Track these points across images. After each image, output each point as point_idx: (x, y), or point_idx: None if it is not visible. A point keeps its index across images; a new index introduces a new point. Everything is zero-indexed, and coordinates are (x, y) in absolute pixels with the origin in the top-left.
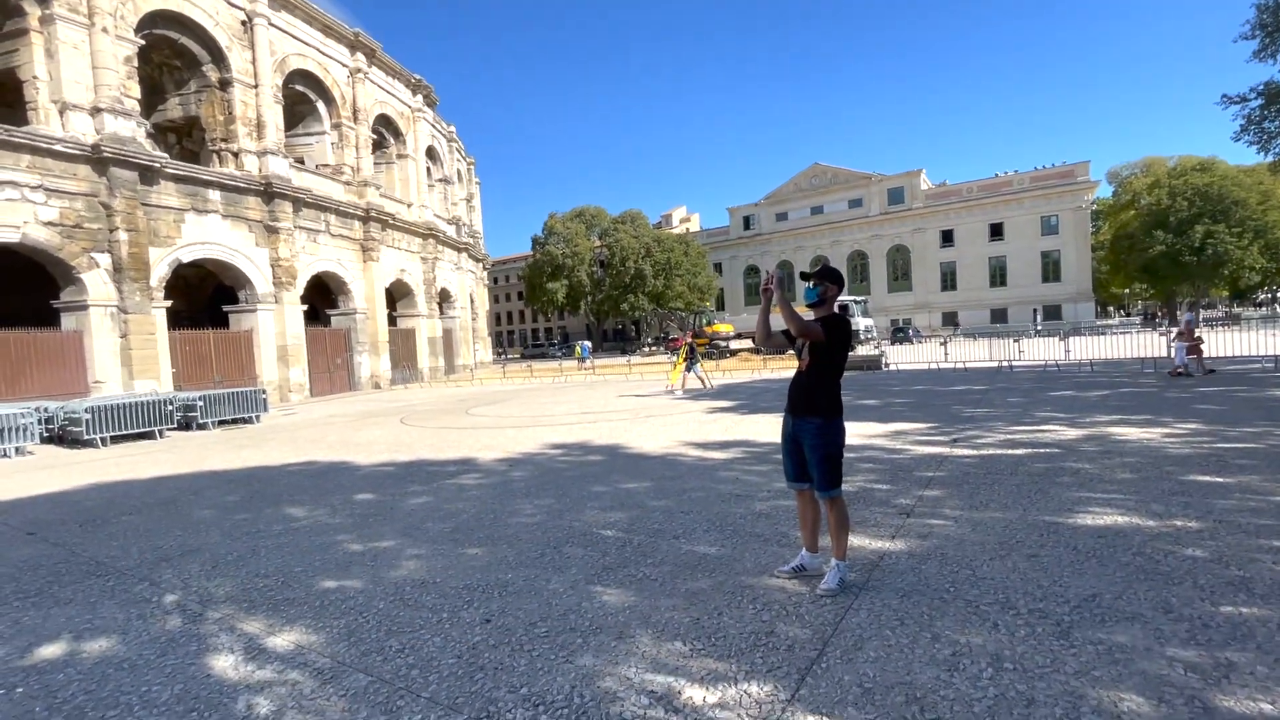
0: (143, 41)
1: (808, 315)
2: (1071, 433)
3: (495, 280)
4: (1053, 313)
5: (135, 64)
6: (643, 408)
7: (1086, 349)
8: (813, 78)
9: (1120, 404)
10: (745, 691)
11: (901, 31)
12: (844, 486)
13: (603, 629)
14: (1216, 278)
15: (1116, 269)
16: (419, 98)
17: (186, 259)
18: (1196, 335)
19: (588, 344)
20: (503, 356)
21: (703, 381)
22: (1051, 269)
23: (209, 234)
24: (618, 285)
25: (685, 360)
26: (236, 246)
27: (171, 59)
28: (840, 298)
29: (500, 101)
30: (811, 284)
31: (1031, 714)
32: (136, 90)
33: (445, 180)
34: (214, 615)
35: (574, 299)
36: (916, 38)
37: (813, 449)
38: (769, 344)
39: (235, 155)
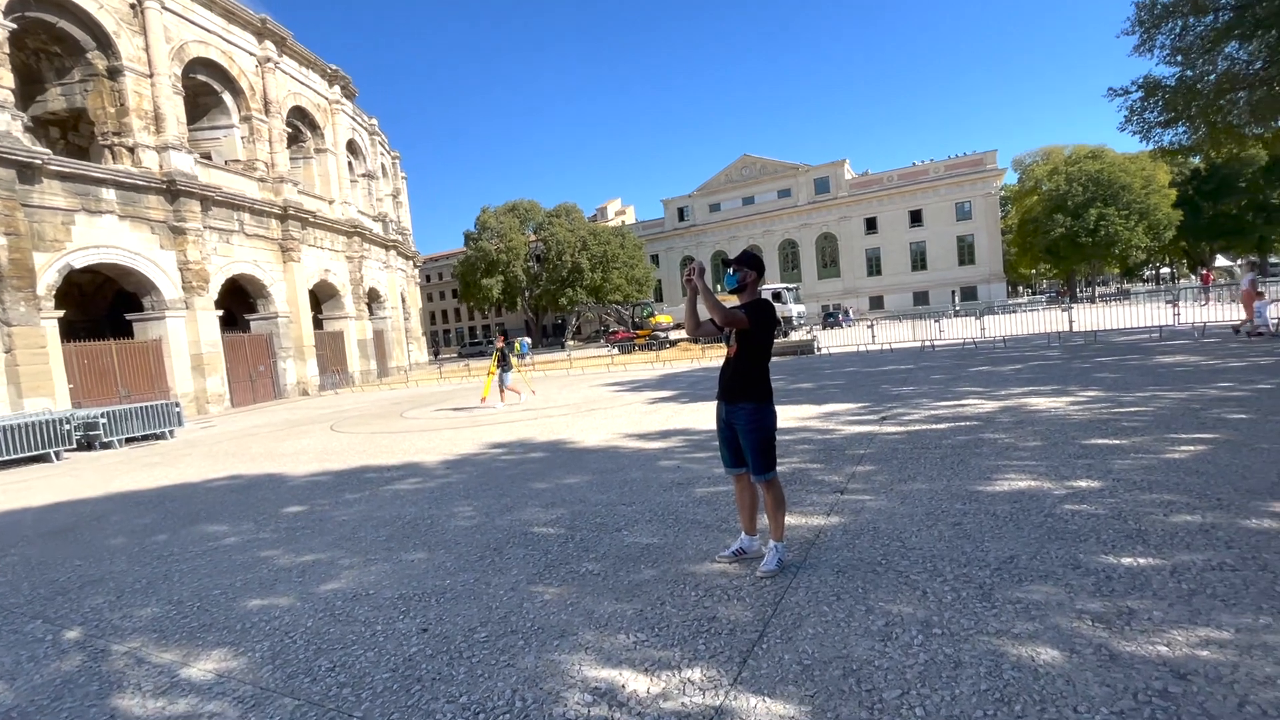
0: (14, 25)
1: (732, 302)
2: (989, 405)
3: (427, 278)
4: (969, 294)
5: (6, 50)
6: (584, 400)
7: (1000, 326)
8: (738, 68)
9: (1031, 376)
10: (688, 679)
11: (821, 23)
12: (780, 468)
13: (545, 629)
14: (1109, 256)
15: (1024, 250)
16: (336, 89)
17: (79, 264)
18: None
19: (527, 340)
20: (438, 357)
21: (511, 392)
22: (967, 252)
23: (105, 236)
24: (555, 279)
25: (497, 367)
26: (138, 249)
27: (50, 45)
28: (774, 285)
29: (425, 96)
30: (731, 270)
31: (959, 675)
32: (9, 79)
33: (369, 175)
34: (119, 649)
35: (511, 295)
36: (835, 29)
37: (746, 434)
38: (699, 334)
39: (130, 150)
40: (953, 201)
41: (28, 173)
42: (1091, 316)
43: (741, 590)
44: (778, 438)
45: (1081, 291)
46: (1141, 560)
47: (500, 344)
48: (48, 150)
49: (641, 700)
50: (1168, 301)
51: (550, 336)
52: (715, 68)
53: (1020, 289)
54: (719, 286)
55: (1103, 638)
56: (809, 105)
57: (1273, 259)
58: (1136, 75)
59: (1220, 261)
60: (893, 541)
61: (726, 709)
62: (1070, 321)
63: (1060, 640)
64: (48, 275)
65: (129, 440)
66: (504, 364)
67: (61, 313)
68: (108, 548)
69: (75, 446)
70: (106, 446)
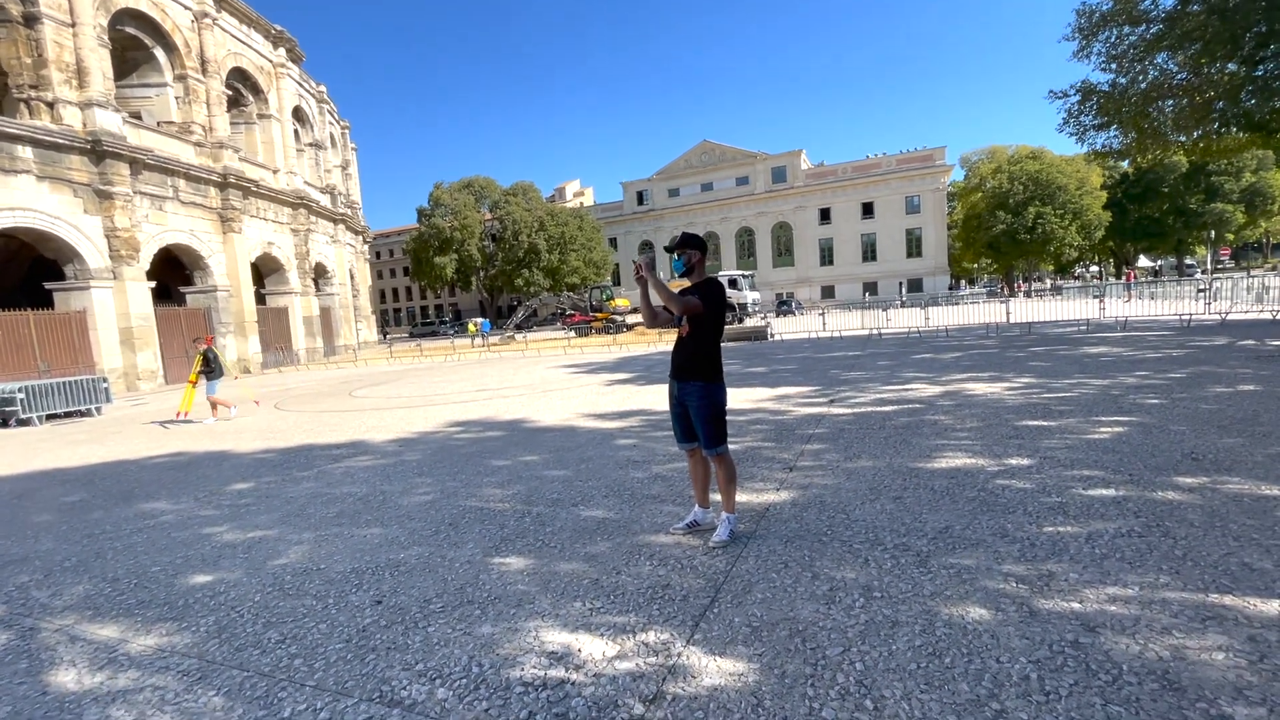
0: None
1: (683, 284)
2: (931, 390)
3: (378, 255)
4: (915, 285)
5: None
6: (540, 382)
7: (943, 317)
8: (701, 53)
9: (971, 364)
10: (643, 642)
11: (781, 11)
12: (733, 446)
13: (501, 598)
14: (1045, 254)
15: (968, 245)
16: (281, 51)
17: None
18: None
19: (487, 321)
20: (387, 336)
21: (221, 405)
22: (914, 245)
23: (20, 198)
24: (511, 260)
25: (200, 373)
26: (59, 214)
27: None
28: (730, 272)
29: (377, 66)
30: (675, 255)
31: (896, 634)
32: None
33: (316, 145)
34: (49, 627)
35: (464, 274)
36: (796, 19)
37: (697, 410)
38: (657, 324)
39: (50, 105)
40: (903, 195)
41: None
42: (1026, 310)
43: (694, 559)
44: (732, 418)
45: (1019, 286)
46: (1061, 529)
47: (206, 346)
48: None
49: (597, 661)
50: (1094, 297)
51: (505, 318)
52: (679, 52)
53: (962, 283)
54: (671, 274)
55: (1024, 597)
56: (769, 91)
57: (1189, 260)
58: (1076, 79)
59: (1143, 262)
60: (838, 514)
61: (679, 668)
62: (1007, 314)
63: (987, 600)
64: None
65: (51, 417)
66: (209, 371)
67: None
68: (31, 525)
69: None
70: (25, 424)
